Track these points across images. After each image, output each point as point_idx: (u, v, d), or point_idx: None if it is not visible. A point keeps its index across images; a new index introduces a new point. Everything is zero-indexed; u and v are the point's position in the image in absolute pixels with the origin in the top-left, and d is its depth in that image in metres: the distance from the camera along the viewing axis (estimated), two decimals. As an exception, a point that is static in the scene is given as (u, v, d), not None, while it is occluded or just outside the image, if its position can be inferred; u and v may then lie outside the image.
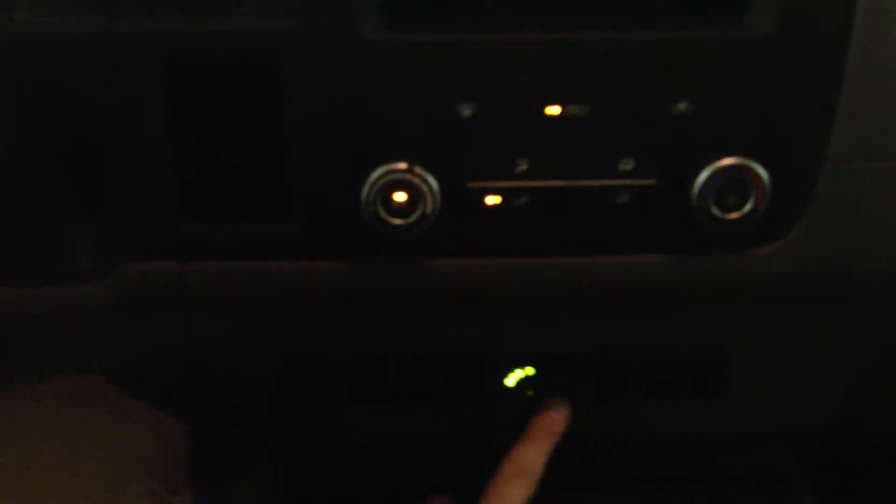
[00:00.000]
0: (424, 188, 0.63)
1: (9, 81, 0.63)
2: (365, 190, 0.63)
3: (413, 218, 0.63)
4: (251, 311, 0.73)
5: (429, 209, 0.63)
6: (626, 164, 0.65)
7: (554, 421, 0.77)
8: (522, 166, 0.65)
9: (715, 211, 0.64)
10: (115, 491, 0.61)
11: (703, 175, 0.64)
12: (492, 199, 0.66)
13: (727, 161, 0.64)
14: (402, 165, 0.63)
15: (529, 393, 0.82)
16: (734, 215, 0.65)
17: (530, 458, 0.75)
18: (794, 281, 0.71)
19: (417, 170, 0.63)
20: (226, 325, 0.75)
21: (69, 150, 0.65)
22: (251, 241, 0.67)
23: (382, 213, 0.63)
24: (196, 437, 0.73)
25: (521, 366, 0.81)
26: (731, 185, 0.64)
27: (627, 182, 0.66)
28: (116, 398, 0.70)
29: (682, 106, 0.64)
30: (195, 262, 0.68)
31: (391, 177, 0.63)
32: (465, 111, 0.63)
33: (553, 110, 0.63)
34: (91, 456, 0.63)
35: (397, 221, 0.64)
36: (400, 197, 0.63)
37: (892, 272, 0.73)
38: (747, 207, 0.64)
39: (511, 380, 0.82)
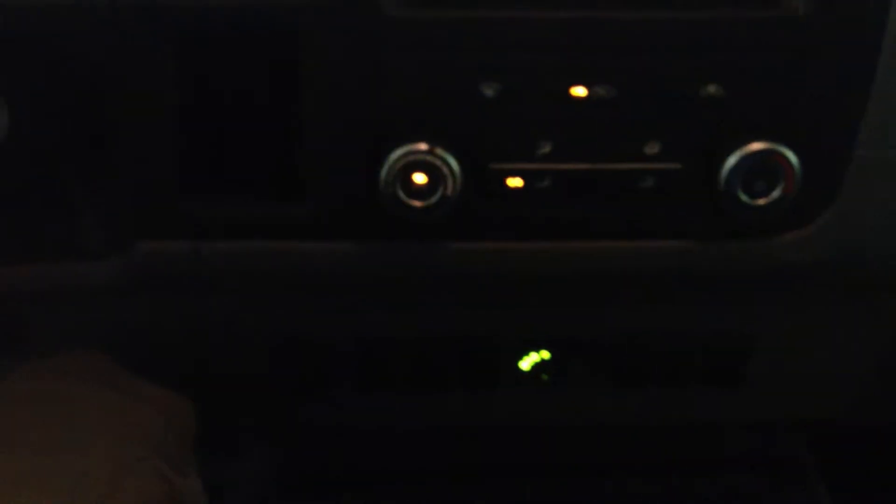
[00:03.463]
0: (445, 170, 0.61)
1: (12, 56, 0.61)
2: (384, 171, 0.61)
3: (433, 200, 0.62)
4: (264, 293, 0.71)
5: (449, 191, 0.62)
6: (652, 148, 0.64)
7: None
8: (546, 148, 0.63)
9: (743, 197, 0.63)
10: (122, 471, 0.60)
11: (731, 160, 0.62)
12: (514, 182, 0.64)
13: (756, 146, 0.62)
14: (423, 146, 0.61)
15: (545, 377, 0.81)
16: (762, 201, 0.63)
17: None
18: (820, 268, 0.69)
19: (438, 151, 0.61)
20: (237, 306, 0.73)
21: (77, 126, 0.63)
22: (265, 221, 0.66)
23: (402, 195, 0.62)
24: (202, 417, 0.71)
25: (537, 349, 0.80)
26: (760, 171, 0.62)
27: (652, 166, 0.64)
28: (121, 376, 0.68)
29: (711, 89, 0.62)
30: (208, 242, 0.66)
31: (411, 157, 0.61)
32: (489, 91, 0.61)
33: (579, 91, 0.62)
34: (96, 435, 0.62)
35: (417, 203, 0.62)
36: (420, 178, 0.61)
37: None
38: (776, 194, 0.63)
39: (526, 363, 0.80)
